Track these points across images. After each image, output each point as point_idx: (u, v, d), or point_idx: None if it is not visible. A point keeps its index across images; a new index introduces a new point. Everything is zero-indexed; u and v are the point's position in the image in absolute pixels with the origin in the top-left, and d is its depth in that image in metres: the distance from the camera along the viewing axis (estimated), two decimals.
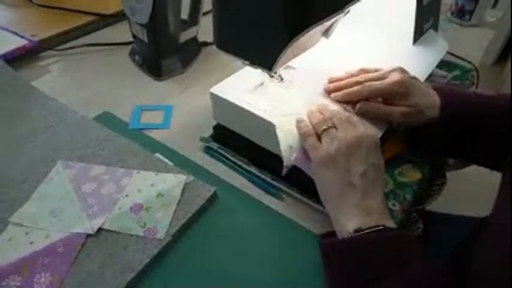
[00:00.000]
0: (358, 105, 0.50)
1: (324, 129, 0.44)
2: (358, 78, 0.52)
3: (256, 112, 0.47)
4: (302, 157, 0.45)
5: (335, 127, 0.44)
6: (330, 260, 0.39)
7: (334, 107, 0.51)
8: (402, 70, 0.51)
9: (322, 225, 0.47)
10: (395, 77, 0.49)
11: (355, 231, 0.38)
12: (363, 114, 0.50)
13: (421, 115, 0.49)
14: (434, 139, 0.51)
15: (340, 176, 0.41)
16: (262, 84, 0.52)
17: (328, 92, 0.53)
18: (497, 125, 0.49)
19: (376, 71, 0.53)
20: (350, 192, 0.40)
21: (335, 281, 0.39)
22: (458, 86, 0.71)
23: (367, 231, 0.38)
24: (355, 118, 0.46)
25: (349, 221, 0.39)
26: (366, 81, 0.51)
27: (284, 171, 0.46)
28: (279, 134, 0.46)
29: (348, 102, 0.51)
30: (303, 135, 0.45)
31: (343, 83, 0.52)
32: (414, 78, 0.51)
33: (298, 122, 0.47)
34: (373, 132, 0.46)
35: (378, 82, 0.50)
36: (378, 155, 0.43)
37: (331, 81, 0.54)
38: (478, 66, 0.74)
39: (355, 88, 0.50)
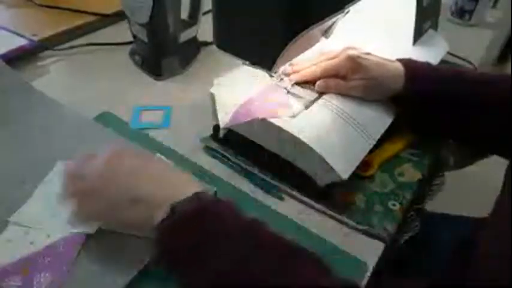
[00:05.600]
0: (317, 83, 0.53)
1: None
2: (313, 61, 0.55)
3: None
4: (235, 119, 0.50)
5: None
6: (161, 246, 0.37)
7: (304, 91, 0.54)
8: (353, 48, 0.54)
9: (322, 225, 0.47)
10: (345, 54, 0.53)
11: (164, 220, 0.35)
12: (325, 92, 0.53)
13: (381, 87, 0.52)
14: (405, 112, 0.54)
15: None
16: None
17: (287, 75, 0.55)
18: (472, 102, 0.52)
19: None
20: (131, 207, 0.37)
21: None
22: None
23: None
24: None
25: (155, 217, 0.36)
26: (320, 62, 0.54)
27: (221, 134, 0.52)
28: (217, 101, 0.51)
29: (306, 83, 0.54)
30: None
31: (300, 66, 0.56)
32: (368, 53, 0.54)
33: None
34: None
35: (329, 61, 0.54)
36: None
37: (291, 65, 0.56)
38: (478, 66, 0.74)
39: (310, 69, 0.54)
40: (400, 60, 0.54)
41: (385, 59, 0.54)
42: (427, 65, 0.54)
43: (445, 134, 0.57)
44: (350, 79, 0.52)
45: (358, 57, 0.52)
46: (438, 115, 0.53)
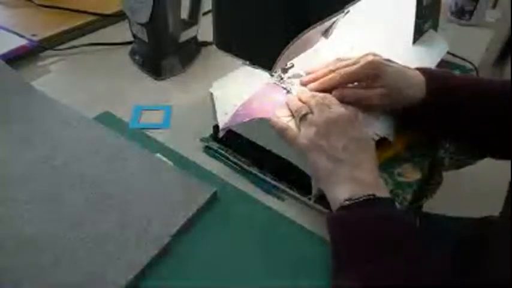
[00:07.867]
0: (333, 92, 0.50)
1: (302, 116, 0.46)
2: (331, 67, 0.53)
3: None
4: (234, 120, 0.49)
5: (312, 112, 0.46)
6: (329, 233, 0.41)
7: None
8: (374, 54, 0.52)
9: (322, 225, 0.47)
10: (366, 59, 0.50)
11: (346, 200, 0.40)
12: (342, 101, 0.50)
13: (401, 96, 0.50)
14: (423, 118, 0.52)
15: (325, 156, 0.43)
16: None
17: (305, 84, 0.53)
18: (482, 108, 0.50)
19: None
20: (338, 167, 0.42)
21: (333, 254, 0.40)
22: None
23: (356, 200, 0.39)
24: (331, 98, 0.48)
25: (340, 193, 0.41)
26: (338, 69, 0.52)
27: (221, 134, 0.51)
28: (216, 101, 0.50)
29: (325, 91, 0.51)
30: (279, 131, 0.46)
31: (318, 73, 0.53)
32: (388, 60, 0.52)
33: (271, 120, 0.47)
34: (349, 110, 0.47)
35: (349, 67, 0.51)
36: (357, 129, 0.45)
37: (308, 73, 0.55)
38: (478, 66, 0.74)
39: (328, 76, 0.52)
40: (419, 69, 0.52)
41: (405, 67, 0.52)
42: (447, 74, 0.53)
43: (456, 139, 0.56)
44: (370, 86, 0.50)
45: (381, 63, 0.50)
46: (455, 124, 0.52)
